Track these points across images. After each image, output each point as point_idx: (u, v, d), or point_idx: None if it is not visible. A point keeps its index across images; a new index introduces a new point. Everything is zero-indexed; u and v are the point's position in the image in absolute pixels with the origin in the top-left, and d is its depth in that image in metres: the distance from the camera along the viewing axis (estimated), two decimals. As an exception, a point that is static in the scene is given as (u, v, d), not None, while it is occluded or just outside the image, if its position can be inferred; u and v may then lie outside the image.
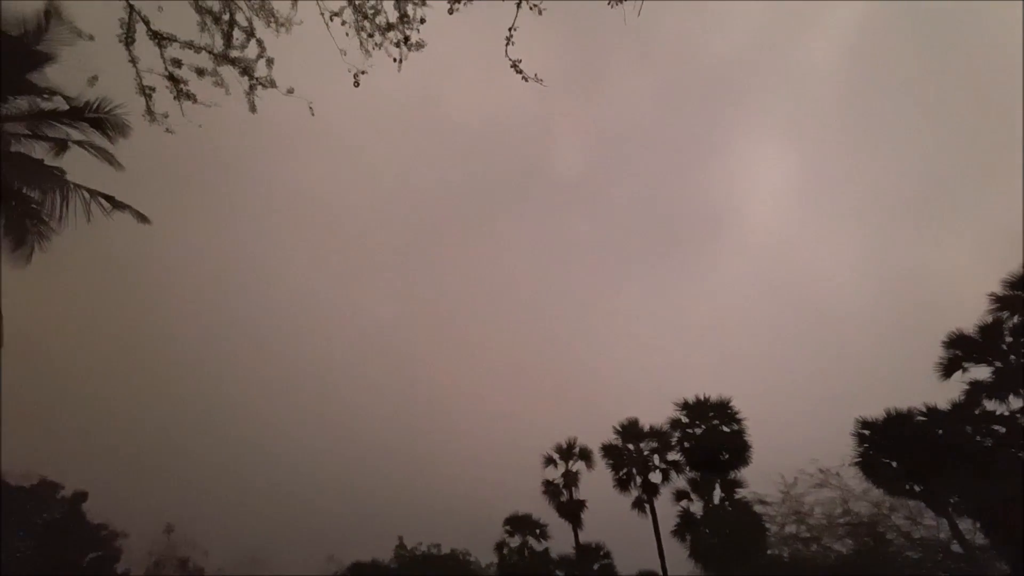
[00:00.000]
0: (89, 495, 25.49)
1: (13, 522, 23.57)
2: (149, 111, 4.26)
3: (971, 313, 16.65)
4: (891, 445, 16.66)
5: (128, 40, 3.91)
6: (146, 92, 4.26)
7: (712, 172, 77.19)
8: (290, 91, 4.39)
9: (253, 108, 4.28)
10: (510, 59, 4.15)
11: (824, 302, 59.25)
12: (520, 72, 4.18)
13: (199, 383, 45.91)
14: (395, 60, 4.29)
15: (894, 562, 13.67)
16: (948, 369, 16.79)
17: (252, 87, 4.26)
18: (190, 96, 4.22)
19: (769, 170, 73.54)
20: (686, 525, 21.31)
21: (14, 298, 10.38)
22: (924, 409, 16.83)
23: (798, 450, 17.99)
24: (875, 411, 17.23)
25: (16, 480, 24.39)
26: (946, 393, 16.74)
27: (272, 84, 4.33)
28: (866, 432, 17.17)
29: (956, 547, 14.32)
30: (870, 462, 16.56)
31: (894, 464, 16.60)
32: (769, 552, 16.51)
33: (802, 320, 59.00)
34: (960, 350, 16.75)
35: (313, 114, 4.28)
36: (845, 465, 16.67)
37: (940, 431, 16.36)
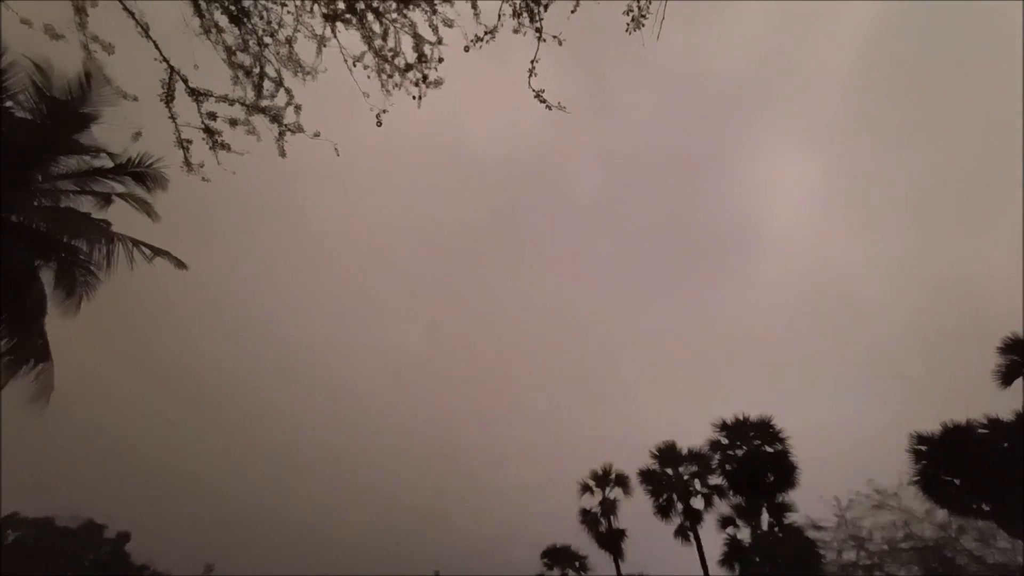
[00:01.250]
0: (132, 535, 26.03)
1: (63, 563, 24.13)
2: (187, 162, 4.48)
3: (1020, 317, 15.70)
4: (952, 461, 15.59)
5: (168, 98, 4.16)
6: (184, 145, 4.49)
7: (734, 185, 76.31)
8: (316, 135, 4.57)
9: (283, 153, 4.46)
10: (533, 90, 4.23)
11: (863, 310, 56.98)
12: (544, 101, 4.26)
13: (237, 426, 46.83)
14: (414, 98, 4.43)
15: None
16: (1007, 376, 15.76)
17: (281, 133, 4.45)
18: (224, 146, 4.43)
19: (793, 178, 72.25)
20: (734, 553, 20.24)
21: (63, 347, 10.84)
22: (985, 421, 15.77)
23: (849, 469, 17.03)
24: (929, 424, 16.25)
25: (64, 522, 25.10)
26: (1006, 402, 15.69)
27: (300, 129, 4.52)
28: (923, 448, 16.13)
29: (1037, 572, 13.14)
30: (930, 480, 15.50)
31: (957, 482, 15.49)
32: (827, 581, 15.48)
33: (842, 330, 56.74)
34: (1018, 355, 15.75)
35: (339, 155, 4.43)
36: (903, 484, 15.64)
37: (1005, 444, 15.26)
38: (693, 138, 79.61)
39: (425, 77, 4.46)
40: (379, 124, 4.46)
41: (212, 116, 4.35)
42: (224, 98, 4.29)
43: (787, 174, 72.35)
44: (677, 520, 22.44)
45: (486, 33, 4.12)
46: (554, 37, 4.07)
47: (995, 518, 14.23)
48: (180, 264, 10.99)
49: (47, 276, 10.36)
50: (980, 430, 15.79)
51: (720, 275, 72.08)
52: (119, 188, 10.80)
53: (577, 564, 24.53)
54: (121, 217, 10.68)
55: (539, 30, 4.06)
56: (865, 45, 63.62)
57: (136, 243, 10.63)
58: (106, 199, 10.85)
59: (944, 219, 59.63)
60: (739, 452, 21.55)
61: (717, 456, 22.18)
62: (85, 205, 10.74)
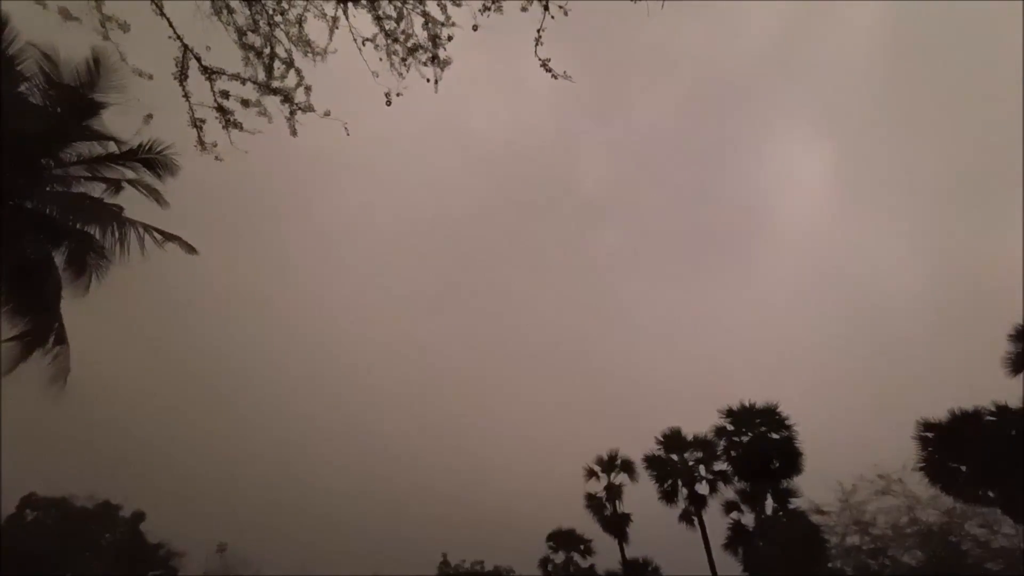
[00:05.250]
0: (146, 515, 26.69)
1: (81, 542, 24.82)
2: (200, 142, 4.53)
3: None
4: (958, 448, 15.60)
5: (182, 77, 4.19)
6: (197, 124, 4.53)
7: (745, 174, 75.39)
8: (327, 113, 4.60)
9: (294, 132, 4.50)
10: (539, 58, 4.25)
11: (873, 297, 56.46)
12: (550, 71, 4.29)
13: (247, 409, 47.54)
14: (428, 80, 4.44)
15: (972, 574, 12.66)
16: (1017, 364, 15.66)
17: (292, 112, 4.48)
18: (237, 125, 4.47)
19: (806, 168, 71.27)
20: (738, 538, 20.45)
21: (77, 331, 11.03)
22: (993, 408, 15.73)
23: (854, 455, 17.07)
24: (936, 411, 16.22)
25: (81, 502, 25.77)
26: (1015, 390, 15.62)
27: (310, 108, 4.55)
28: (929, 435, 16.14)
29: (1042, 557, 13.21)
30: (936, 466, 15.53)
31: (963, 468, 15.52)
32: (830, 565, 15.59)
33: (850, 317, 56.36)
34: (1030, 343, 15.63)
35: (348, 134, 4.46)
36: (907, 470, 15.68)
37: (1013, 431, 15.23)
38: (704, 127, 78.60)
39: (435, 57, 4.45)
40: (388, 104, 4.48)
41: (225, 95, 4.39)
42: (236, 76, 4.31)
43: (799, 164, 71.35)
44: (682, 505, 22.65)
45: (493, 2, 4.14)
46: (560, 7, 4.07)
47: (1000, 504, 14.26)
48: (191, 249, 11.09)
49: (59, 260, 10.53)
50: (988, 417, 15.76)
51: (729, 265, 71.57)
52: (129, 174, 10.88)
53: (581, 547, 24.90)
54: (132, 205, 10.78)
55: (546, 6, 4.06)
56: (881, 33, 62.24)
57: (147, 228, 10.73)
58: (116, 186, 10.95)
59: (959, 210, 58.78)
60: (744, 439, 21.64)
61: (722, 442, 22.28)
62: (96, 192, 10.86)
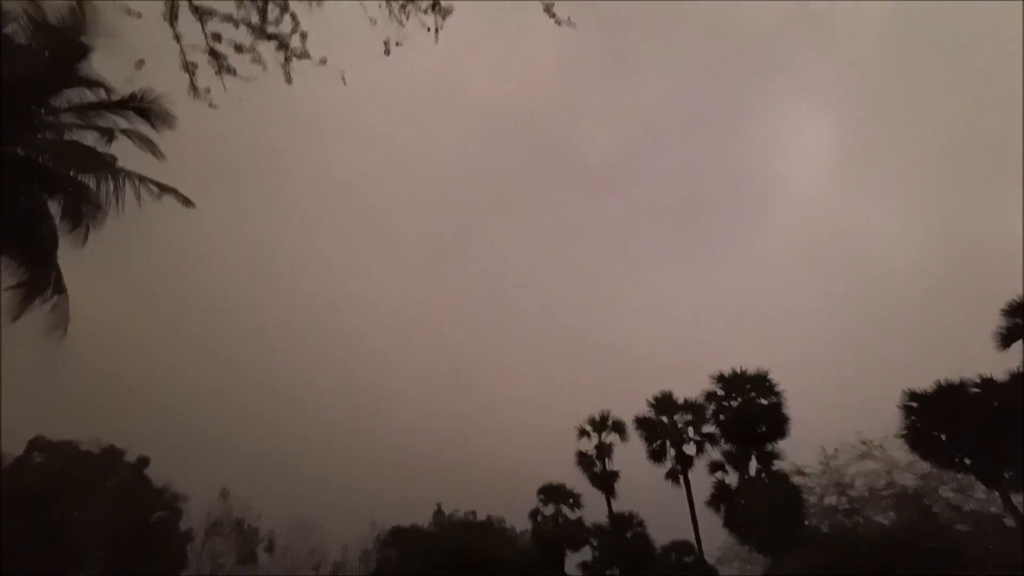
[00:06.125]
0: (151, 460, 27.55)
1: (87, 485, 25.70)
2: (193, 87, 4.39)
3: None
4: (941, 417, 16.04)
5: (172, 16, 4.02)
6: (189, 68, 4.38)
7: (749, 144, 73.85)
8: (323, 61, 4.45)
9: (289, 79, 4.36)
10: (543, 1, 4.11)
11: (870, 270, 56.56)
12: (553, 16, 4.15)
13: (247, 361, 48.25)
14: (428, 29, 4.27)
15: (942, 535, 13.30)
16: (1007, 339, 15.90)
17: (287, 59, 4.33)
18: (230, 70, 4.32)
19: (810, 140, 69.75)
20: (721, 496, 21.26)
21: (77, 281, 11.04)
22: (979, 380, 16.08)
23: (842, 423, 17.54)
24: (925, 383, 16.58)
25: (87, 446, 26.52)
26: (1004, 364, 15.93)
27: (306, 55, 4.39)
28: (914, 404, 16.57)
29: (1009, 521, 13.82)
30: (918, 434, 16.03)
31: (943, 437, 16.02)
32: (807, 523, 16.33)
33: (846, 289, 56.62)
34: (1022, 318, 15.82)
35: (345, 83, 4.33)
36: (889, 437, 16.18)
37: (996, 403, 15.63)
38: (709, 95, 76.18)
39: (437, 4, 4.27)
40: (387, 53, 4.32)
41: (217, 38, 4.22)
42: (229, 18, 4.14)
43: (804, 135, 69.73)
44: (669, 464, 23.44)
45: None
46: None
47: (975, 471, 14.82)
48: (187, 202, 10.94)
49: (54, 209, 10.41)
50: (973, 389, 16.13)
51: (730, 232, 71.22)
52: (123, 124, 10.62)
53: (571, 501, 25.85)
54: (127, 157, 10.56)
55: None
56: (892, 5, 59.46)
57: (143, 179, 10.56)
58: (109, 135, 10.69)
59: (959, 184, 57.94)
60: (734, 403, 22.15)
61: (712, 406, 22.82)
62: (88, 141, 10.61)
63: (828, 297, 55.74)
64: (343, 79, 4.33)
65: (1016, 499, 14.02)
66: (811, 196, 67.22)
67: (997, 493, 14.25)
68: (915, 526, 13.65)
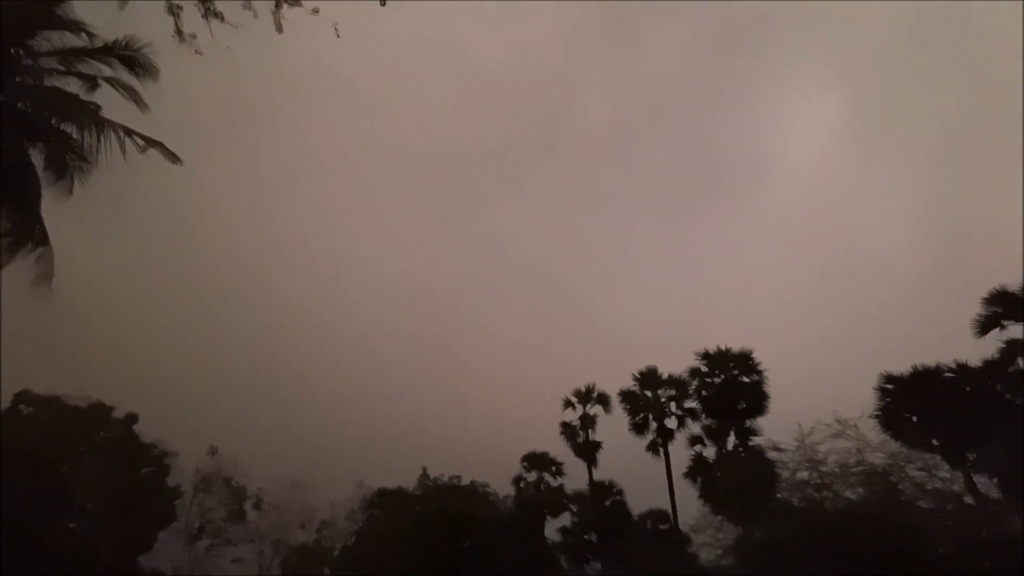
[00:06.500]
0: (139, 417, 27.73)
1: (75, 439, 25.86)
2: (178, 30, 4.25)
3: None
4: (915, 400, 16.60)
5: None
6: (174, 10, 4.22)
7: (749, 118, 72.89)
8: (315, 11, 4.31)
9: (279, 28, 4.23)
10: None
11: (864, 254, 56.98)
12: None
13: (236, 321, 48.10)
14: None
15: (905, 511, 13.94)
16: (985, 326, 16.34)
17: (278, 5, 4.19)
18: (218, 15, 4.17)
19: (811, 116, 69.04)
20: (698, 468, 22.03)
21: (63, 234, 10.86)
22: (954, 366, 16.57)
23: (822, 402, 18.02)
24: (907, 366, 17.09)
25: (74, 401, 26.56)
26: (982, 351, 16.40)
27: (297, 2, 4.24)
28: (890, 386, 17.08)
29: (969, 499, 14.48)
30: (890, 415, 16.60)
31: (915, 418, 16.60)
32: (779, 496, 16.99)
33: (839, 272, 57.19)
34: (1001, 307, 16.21)
35: (339, 36, 4.20)
36: (864, 417, 16.72)
37: (967, 388, 16.16)
38: (711, 65, 74.69)
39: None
40: (383, 3, 4.19)
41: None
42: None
43: (807, 113, 68.92)
44: (650, 437, 24.13)
45: None
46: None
47: (941, 452, 15.45)
48: (174, 158, 10.71)
49: (37, 160, 10.15)
50: (947, 374, 16.64)
51: (727, 211, 70.93)
52: (107, 71, 10.27)
53: (553, 469, 26.61)
54: (112, 111, 10.25)
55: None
56: None
57: (129, 132, 10.29)
58: (92, 82, 10.35)
59: (961, 174, 57.99)
60: (717, 380, 22.69)
61: (695, 383, 23.37)
62: (71, 88, 10.27)
63: (818, 279, 56.29)
64: (336, 31, 4.20)
65: (977, 479, 14.68)
66: (807, 178, 67.07)
67: (960, 473, 14.91)
68: (881, 501, 14.26)
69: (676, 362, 24.71)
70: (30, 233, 9.69)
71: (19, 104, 9.57)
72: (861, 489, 15.47)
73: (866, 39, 64.45)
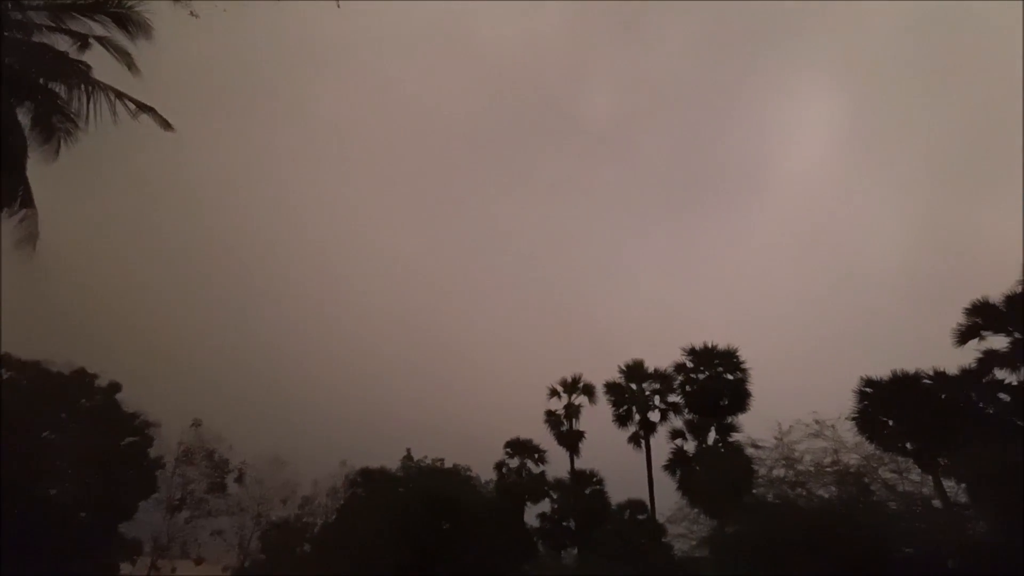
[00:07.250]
0: (122, 387, 27.50)
1: (57, 406, 25.65)
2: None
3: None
4: (891, 404, 16.92)
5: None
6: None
7: (750, 122, 72.96)
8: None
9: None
10: None
11: (857, 259, 57.67)
12: None
13: (224, 293, 47.73)
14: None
15: (875, 511, 14.31)
16: (964, 336, 16.63)
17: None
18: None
19: (812, 122, 69.15)
20: (678, 461, 22.36)
21: (48, 199, 10.65)
22: (932, 373, 16.89)
23: (804, 404, 18.37)
24: (888, 372, 17.39)
25: (57, 367, 26.28)
26: (965, 360, 16.70)
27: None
28: (868, 390, 17.40)
29: (937, 503, 14.89)
30: (867, 418, 16.93)
31: (890, 422, 16.95)
32: (755, 492, 17.36)
33: (830, 276, 57.89)
34: (981, 318, 16.49)
35: (339, 6, 4.12)
36: (842, 419, 17.07)
37: (943, 395, 16.50)
38: (715, 66, 74.45)
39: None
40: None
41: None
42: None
43: (807, 119, 69.09)
44: (632, 429, 24.42)
45: None
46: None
47: (914, 455, 15.83)
48: (166, 124, 10.49)
49: (24, 120, 9.90)
50: (925, 380, 16.97)
51: (723, 213, 71.39)
52: (98, 30, 9.99)
53: (536, 456, 26.89)
54: (104, 74, 9.98)
55: None
56: None
57: (120, 95, 10.07)
58: (83, 41, 10.07)
59: (964, 180, 58.49)
60: (701, 376, 22.96)
61: (680, 378, 23.64)
62: (61, 46, 10.00)
63: (809, 282, 57.02)
64: (337, 2, 4.11)
65: (947, 484, 15.07)
66: (804, 181, 67.43)
67: (930, 477, 15.31)
68: (852, 501, 14.62)
69: (663, 357, 25.03)
70: (14, 194, 9.49)
71: (5, 59, 9.31)
72: (834, 488, 15.86)
73: (870, 45, 64.41)
